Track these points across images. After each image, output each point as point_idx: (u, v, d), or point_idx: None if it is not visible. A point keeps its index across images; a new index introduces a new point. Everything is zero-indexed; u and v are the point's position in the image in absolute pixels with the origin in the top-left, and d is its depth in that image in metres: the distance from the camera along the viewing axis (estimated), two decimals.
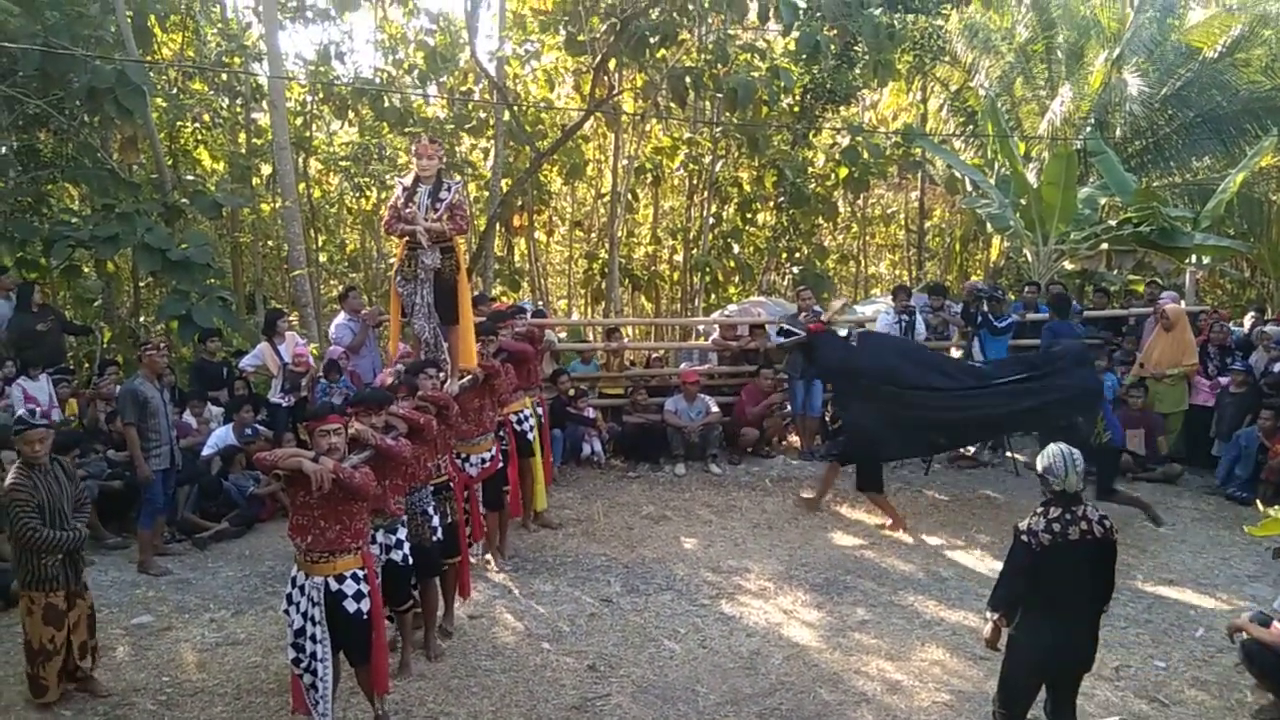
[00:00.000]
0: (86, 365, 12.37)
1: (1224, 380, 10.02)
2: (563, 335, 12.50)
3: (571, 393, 10.21)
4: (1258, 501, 8.11)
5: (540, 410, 8.57)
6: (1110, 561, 4.48)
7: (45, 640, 5.36)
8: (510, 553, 7.78)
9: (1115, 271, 14.13)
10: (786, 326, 9.56)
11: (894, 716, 5.42)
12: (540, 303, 16.68)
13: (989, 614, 4.59)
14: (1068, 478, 4.37)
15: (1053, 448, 4.47)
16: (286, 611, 4.96)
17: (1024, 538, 4.36)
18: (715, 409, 10.46)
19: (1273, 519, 6.07)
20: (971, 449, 10.69)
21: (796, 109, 16.64)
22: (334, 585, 4.86)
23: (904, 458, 9.72)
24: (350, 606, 4.88)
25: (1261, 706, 5.49)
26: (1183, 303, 11.62)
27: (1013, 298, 12.03)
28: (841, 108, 17.44)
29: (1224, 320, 10.79)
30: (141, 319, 13.77)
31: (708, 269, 17.55)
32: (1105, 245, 13.10)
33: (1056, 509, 4.37)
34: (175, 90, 14.81)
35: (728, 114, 15.90)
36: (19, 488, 5.35)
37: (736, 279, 18.47)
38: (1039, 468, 4.48)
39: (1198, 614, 6.79)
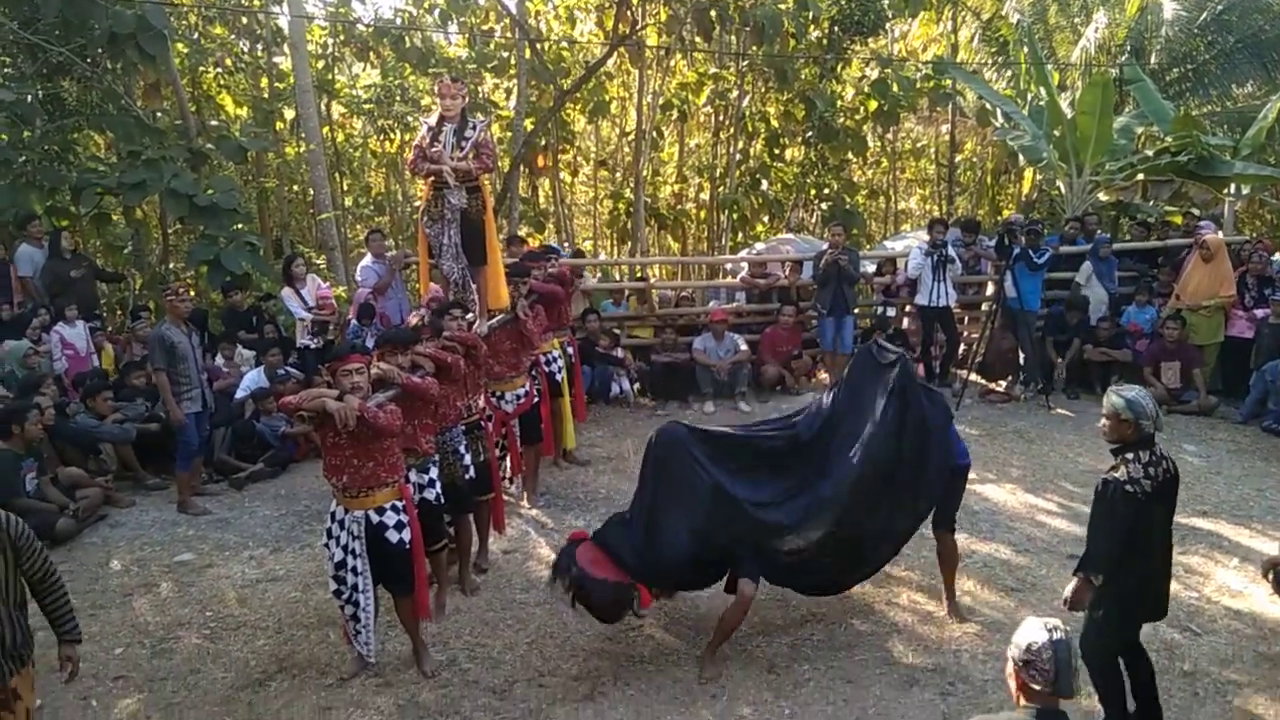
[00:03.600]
0: (119, 312, 12.51)
1: (1260, 312, 9.85)
2: (595, 277, 12.47)
3: (600, 331, 10.22)
4: None
5: (571, 350, 8.58)
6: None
7: None
8: (542, 489, 7.85)
9: (1151, 203, 13.86)
10: None
11: (925, 646, 5.46)
12: (566, 245, 16.63)
13: (1085, 576, 4.28)
14: (1158, 418, 4.22)
15: (1132, 390, 4.27)
16: (326, 545, 5.05)
17: (1129, 488, 4.12)
18: (744, 347, 10.43)
19: None
20: (1003, 384, 10.63)
21: (824, 41, 16.33)
22: (374, 518, 4.95)
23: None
24: (392, 537, 4.97)
25: None
26: (1221, 233, 11.39)
27: (1047, 231, 11.84)
28: (870, 39, 17.09)
29: (1266, 250, 10.56)
30: (171, 265, 13.87)
31: (735, 207, 17.39)
32: (1141, 176, 12.83)
33: (1145, 452, 4.20)
34: (196, 35, 14.74)
35: (754, 47, 15.63)
36: None
37: (764, 216, 18.30)
38: (1127, 414, 4.18)
39: (1231, 545, 6.75)
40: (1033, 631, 2.93)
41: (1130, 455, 4.20)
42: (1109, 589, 4.25)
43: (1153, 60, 15.65)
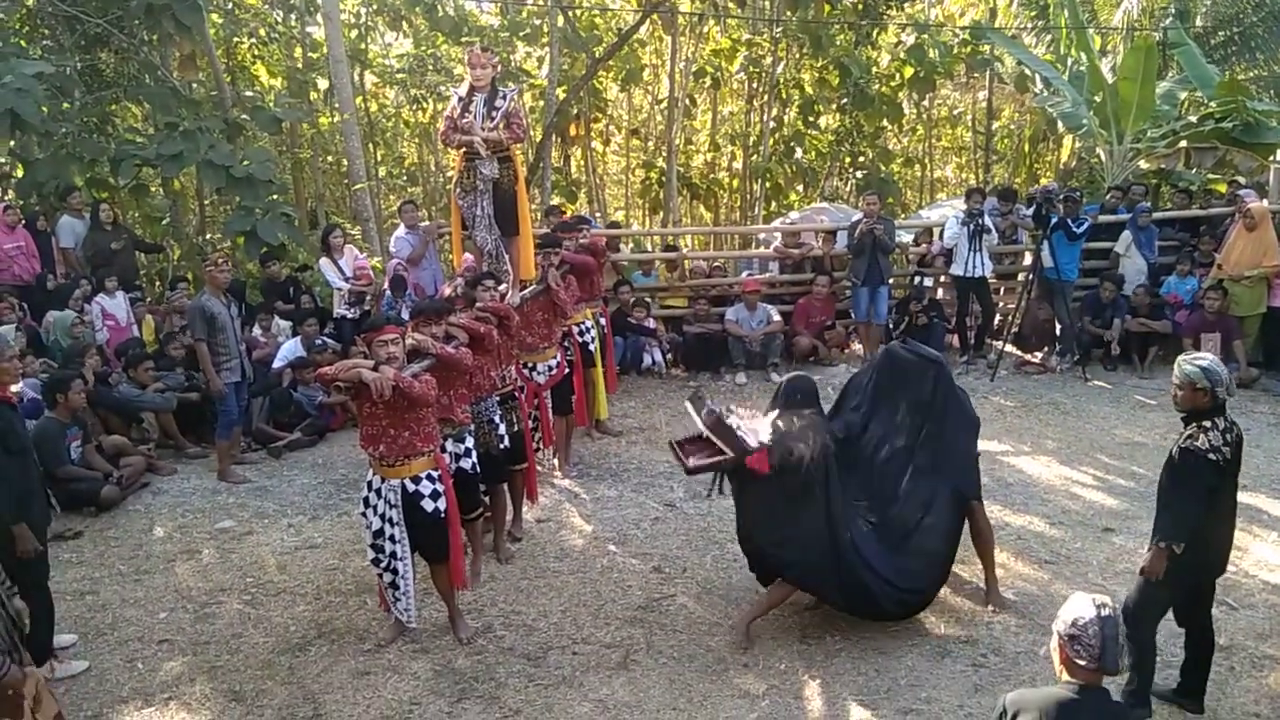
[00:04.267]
0: (158, 283, 12.67)
1: None
2: (629, 247, 12.45)
3: (632, 302, 10.22)
4: None
5: (603, 321, 8.60)
6: None
7: None
8: (575, 460, 7.90)
9: (1194, 170, 13.58)
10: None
11: (957, 617, 5.46)
12: (599, 216, 16.60)
13: (1166, 545, 4.21)
14: (1230, 384, 4.24)
15: (1204, 358, 4.29)
16: (364, 514, 5.15)
17: (1211, 456, 4.13)
18: (777, 318, 10.40)
19: None
20: (1039, 355, 10.53)
21: (860, 6, 16.08)
22: (410, 487, 5.03)
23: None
24: (428, 506, 5.05)
25: None
26: (1266, 201, 11.14)
27: (1086, 200, 11.65)
28: (906, 4, 16.82)
29: None
30: (208, 236, 14.02)
31: (768, 175, 17.24)
32: (1184, 143, 12.56)
33: (1220, 419, 4.21)
34: (230, 5, 14.79)
35: (788, 12, 15.43)
36: None
37: (798, 185, 18.13)
38: (1203, 383, 4.18)
39: (1271, 519, 6.68)
40: (1080, 607, 2.91)
41: (1207, 423, 4.20)
42: (1183, 556, 4.24)
43: (1197, 23, 15.28)
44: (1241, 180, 12.52)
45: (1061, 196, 10.21)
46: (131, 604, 5.82)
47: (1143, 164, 13.23)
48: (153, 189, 13.06)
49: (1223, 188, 12.70)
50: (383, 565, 5.12)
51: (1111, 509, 6.91)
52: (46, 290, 9.40)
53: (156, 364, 8.61)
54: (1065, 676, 2.96)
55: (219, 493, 7.53)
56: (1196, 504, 4.18)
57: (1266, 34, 15.17)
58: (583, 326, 8.01)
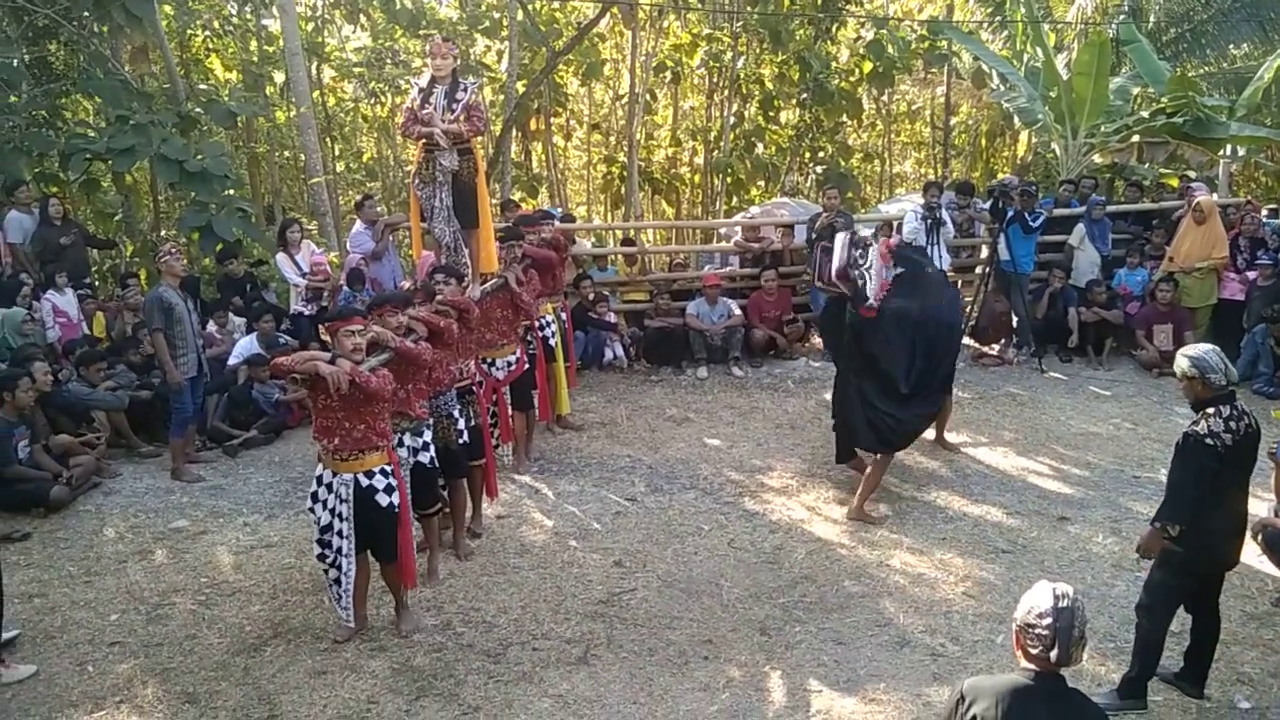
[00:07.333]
0: (110, 280, 12.44)
1: (1252, 275, 9.84)
2: (591, 241, 12.39)
3: (592, 297, 10.19)
4: None
5: (564, 316, 8.57)
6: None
7: None
8: (536, 455, 7.87)
9: (1147, 164, 13.80)
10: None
11: (916, 607, 5.51)
12: (560, 208, 16.55)
13: (1162, 526, 4.36)
14: (1228, 371, 4.32)
15: (1196, 349, 4.41)
16: (312, 509, 5.09)
17: (1209, 441, 4.23)
18: (737, 312, 10.41)
19: None
20: (996, 347, 10.64)
21: (819, 1, 16.14)
22: (364, 481, 4.98)
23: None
24: (382, 500, 5.00)
25: None
26: (1215, 195, 11.36)
27: (1041, 194, 11.79)
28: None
29: (1256, 212, 10.53)
30: (162, 232, 13.78)
31: (729, 170, 17.27)
32: (1137, 137, 12.74)
33: (1225, 407, 4.29)
34: None
35: (748, 7, 15.47)
36: None
37: (759, 180, 18.18)
38: (1191, 371, 4.32)
39: None
40: (1039, 596, 2.90)
41: (1211, 410, 4.31)
42: (1181, 541, 4.33)
43: (1149, 20, 15.51)
44: (1192, 174, 12.74)
45: (1018, 190, 10.32)
46: (82, 606, 5.71)
47: (1097, 158, 13.41)
48: (104, 184, 12.80)
49: (1174, 181, 12.91)
50: (329, 561, 5.07)
51: (1067, 498, 7.01)
52: None
53: (109, 363, 8.44)
54: (1023, 662, 2.97)
55: (172, 492, 7.40)
56: (1192, 486, 4.29)
57: (1216, 31, 15.43)
58: (544, 320, 7.97)
